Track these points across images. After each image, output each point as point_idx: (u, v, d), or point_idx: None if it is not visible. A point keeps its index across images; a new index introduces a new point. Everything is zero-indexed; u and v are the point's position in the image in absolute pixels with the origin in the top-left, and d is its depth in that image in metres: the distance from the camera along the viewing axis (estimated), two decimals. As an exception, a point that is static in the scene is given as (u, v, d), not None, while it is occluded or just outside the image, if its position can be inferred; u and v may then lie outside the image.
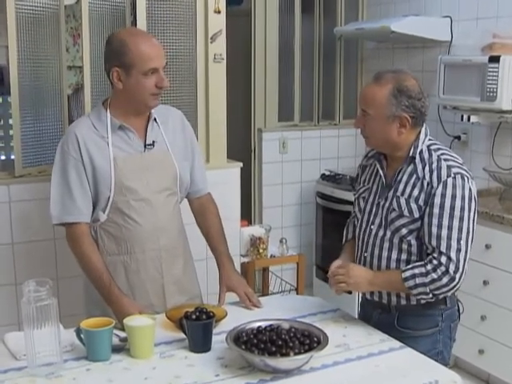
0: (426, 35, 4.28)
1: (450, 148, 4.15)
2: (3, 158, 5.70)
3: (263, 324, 2.01)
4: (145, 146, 2.37)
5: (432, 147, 2.15)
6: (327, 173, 4.87)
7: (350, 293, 2.28)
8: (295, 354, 1.84)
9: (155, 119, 2.41)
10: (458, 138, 4.28)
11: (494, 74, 3.56)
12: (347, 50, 5.20)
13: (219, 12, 3.33)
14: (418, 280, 2.06)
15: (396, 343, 2.08)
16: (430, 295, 2.08)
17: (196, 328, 2.00)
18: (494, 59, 3.57)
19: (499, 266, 3.45)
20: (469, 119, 3.89)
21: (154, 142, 2.38)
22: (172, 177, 2.42)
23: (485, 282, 3.52)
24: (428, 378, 1.86)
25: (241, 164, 3.60)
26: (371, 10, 5.07)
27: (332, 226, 4.58)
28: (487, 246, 3.48)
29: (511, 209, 3.58)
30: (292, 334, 1.92)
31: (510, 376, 3.48)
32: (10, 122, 3.64)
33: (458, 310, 2.27)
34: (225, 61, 3.40)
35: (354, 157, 5.19)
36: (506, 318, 3.45)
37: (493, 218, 3.44)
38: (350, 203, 4.45)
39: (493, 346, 3.54)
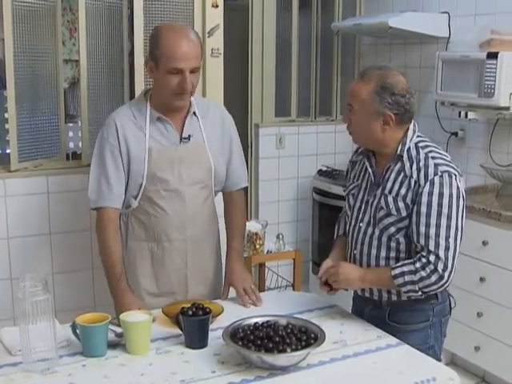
0: (424, 31, 4.27)
1: (447, 144, 4.21)
2: (-1, 151, 5.67)
3: (260, 320, 2.01)
4: (181, 139, 2.41)
5: (420, 144, 2.14)
6: (324, 168, 4.86)
7: (346, 289, 2.27)
8: (292, 350, 1.84)
9: (195, 113, 2.44)
10: (456, 134, 4.27)
11: (492, 70, 3.55)
12: (344, 46, 5.18)
13: (217, 6, 3.31)
14: (407, 278, 2.06)
15: (393, 340, 2.08)
16: (420, 293, 2.08)
17: (192, 324, 2.00)
18: (492, 55, 3.56)
19: (496, 263, 3.45)
20: (466, 115, 3.88)
21: (189, 135, 2.42)
22: (206, 170, 2.45)
23: (481, 279, 3.51)
24: (425, 375, 1.85)
25: (238, 159, 3.58)
26: (369, 5, 5.05)
27: (328, 222, 4.55)
28: (484, 243, 3.48)
29: (508, 205, 3.57)
30: (289, 331, 1.92)
31: (505, 373, 3.48)
32: (6, 115, 3.62)
33: (450, 305, 2.27)
34: (222, 55, 3.39)
35: (351, 153, 5.08)
36: (502, 314, 3.45)
37: (490, 215, 3.44)
38: (347, 199, 4.46)
39: (489, 342, 3.54)
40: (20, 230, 3.10)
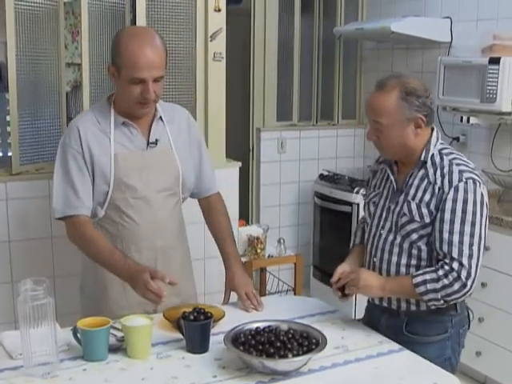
0: (426, 36, 4.28)
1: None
2: (0, 154, 5.69)
3: (261, 325, 2.00)
4: (147, 144, 2.34)
5: (444, 151, 2.12)
6: (325, 173, 4.86)
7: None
8: (294, 355, 1.83)
9: (161, 117, 2.37)
10: (457, 139, 4.27)
11: (494, 75, 3.56)
12: (346, 50, 5.20)
13: (219, 10, 3.32)
14: (430, 286, 2.02)
15: (395, 345, 2.07)
16: (442, 301, 2.05)
17: (194, 328, 1.99)
18: (494, 61, 3.56)
19: (497, 268, 3.45)
20: (468, 120, 3.89)
21: (157, 140, 2.34)
22: (173, 176, 2.38)
23: (483, 284, 3.50)
24: (426, 381, 1.85)
25: (239, 164, 3.58)
26: (371, 10, 5.06)
27: (330, 227, 4.57)
28: (486, 248, 3.44)
29: (510, 211, 3.57)
30: (290, 336, 1.91)
31: (506, 378, 3.48)
32: (8, 118, 3.63)
33: (468, 317, 2.24)
34: (224, 59, 3.39)
35: (353, 157, 5.19)
36: (503, 320, 3.45)
37: (491, 221, 3.40)
38: (348, 204, 4.46)
39: (490, 348, 3.54)
40: (21, 233, 3.10)
